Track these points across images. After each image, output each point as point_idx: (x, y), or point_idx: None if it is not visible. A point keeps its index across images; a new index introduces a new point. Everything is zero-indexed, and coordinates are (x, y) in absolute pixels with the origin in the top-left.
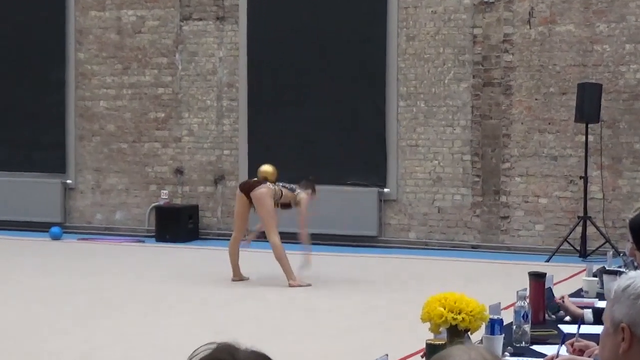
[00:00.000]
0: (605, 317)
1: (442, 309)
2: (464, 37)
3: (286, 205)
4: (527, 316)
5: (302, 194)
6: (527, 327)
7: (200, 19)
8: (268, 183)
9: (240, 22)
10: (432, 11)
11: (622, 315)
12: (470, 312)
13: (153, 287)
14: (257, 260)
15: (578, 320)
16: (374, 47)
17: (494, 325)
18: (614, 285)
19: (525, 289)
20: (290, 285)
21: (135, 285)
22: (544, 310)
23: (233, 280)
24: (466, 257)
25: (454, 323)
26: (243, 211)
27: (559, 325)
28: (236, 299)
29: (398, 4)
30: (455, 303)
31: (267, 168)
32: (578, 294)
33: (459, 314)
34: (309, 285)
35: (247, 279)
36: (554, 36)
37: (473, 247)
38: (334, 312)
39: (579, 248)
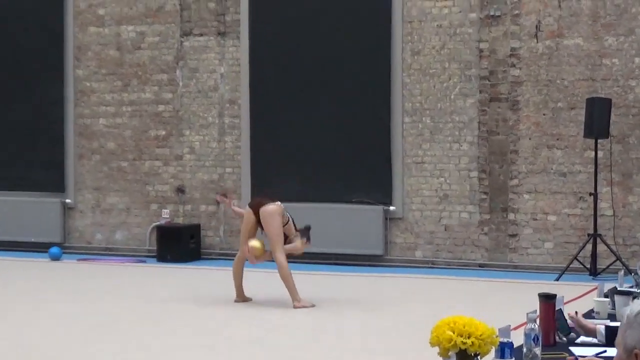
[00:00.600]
0: (617, 342)
1: (451, 332)
2: (470, 51)
3: (284, 236)
4: (537, 339)
5: (298, 240)
6: (537, 350)
7: (201, 35)
8: (278, 202)
9: (241, 38)
10: (437, 25)
11: (635, 342)
12: (480, 335)
13: (154, 309)
14: (260, 280)
15: (591, 335)
16: (379, 62)
17: (504, 349)
18: (626, 310)
19: (535, 311)
20: (295, 307)
21: (136, 307)
22: (554, 332)
23: (236, 301)
24: (474, 276)
25: (463, 347)
26: (250, 229)
27: (570, 348)
28: (239, 320)
29: (403, 18)
30: (464, 327)
31: (255, 244)
32: (589, 314)
33: (469, 337)
34: (313, 306)
35: (250, 300)
36: (562, 50)
37: (481, 265)
38: (338, 333)
39: (589, 266)
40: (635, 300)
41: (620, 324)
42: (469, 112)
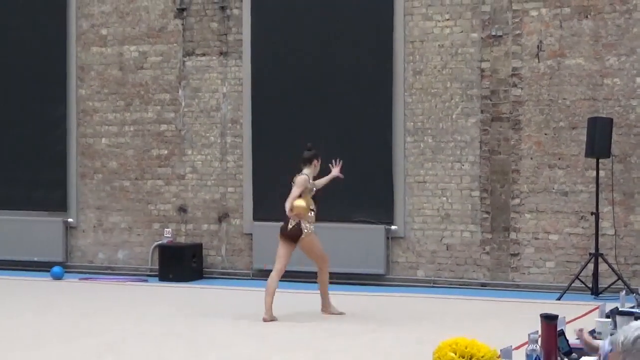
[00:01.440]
0: None
1: (453, 354)
2: (472, 71)
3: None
4: (539, 359)
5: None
6: None
7: (204, 55)
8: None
9: (244, 58)
10: (439, 45)
11: None
12: (482, 357)
13: (156, 328)
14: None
15: (595, 353)
16: (380, 81)
17: None
18: (620, 337)
19: (537, 332)
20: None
21: (138, 327)
22: (556, 353)
23: (265, 320)
24: (475, 296)
25: None
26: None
27: None
28: (241, 339)
29: (404, 38)
30: (466, 348)
31: (300, 203)
32: (591, 335)
33: (471, 359)
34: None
35: (276, 319)
36: (564, 70)
37: (482, 285)
38: (340, 353)
39: (590, 285)
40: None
41: (616, 349)
42: (471, 131)
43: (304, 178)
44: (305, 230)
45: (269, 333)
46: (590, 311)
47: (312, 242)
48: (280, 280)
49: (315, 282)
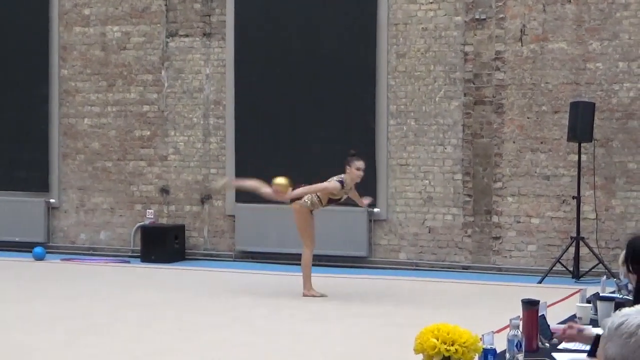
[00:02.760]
0: (599, 354)
1: (435, 340)
2: (455, 54)
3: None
4: (520, 345)
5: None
6: (520, 357)
7: (187, 36)
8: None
9: (227, 39)
10: (422, 28)
11: (615, 354)
12: (464, 343)
13: (138, 310)
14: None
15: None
16: (364, 64)
17: (487, 356)
18: (607, 322)
19: (519, 317)
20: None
21: (121, 308)
22: (537, 338)
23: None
24: (457, 278)
25: (447, 355)
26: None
27: (553, 354)
28: (224, 322)
29: (388, 21)
30: (448, 334)
31: (281, 181)
32: (572, 320)
33: (452, 345)
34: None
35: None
36: (546, 54)
37: (464, 268)
38: (321, 336)
39: (572, 269)
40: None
41: (602, 335)
42: (454, 114)
43: (332, 185)
44: (304, 201)
45: (250, 316)
46: (571, 294)
47: (300, 216)
48: (262, 262)
49: (294, 264)
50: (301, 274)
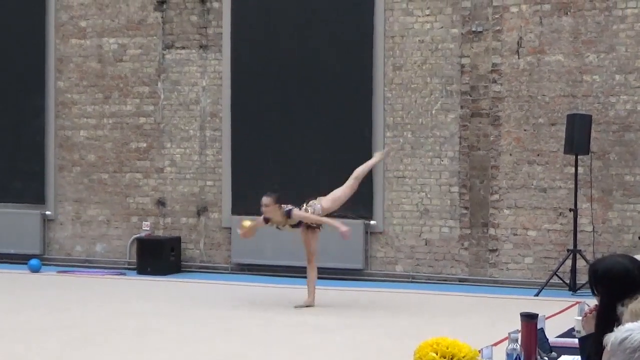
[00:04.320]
0: None
1: (434, 354)
2: (452, 67)
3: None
4: (519, 359)
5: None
6: None
7: (183, 48)
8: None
9: (223, 51)
10: (419, 40)
11: None
12: (463, 357)
13: (134, 322)
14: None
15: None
16: (360, 76)
17: None
18: (611, 337)
19: (517, 331)
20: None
21: (116, 320)
22: (536, 351)
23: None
24: (454, 291)
25: None
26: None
27: None
28: (220, 334)
29: (385, 33)
30: (447, 348)
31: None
32: (569, 333)
33: (452, 359)
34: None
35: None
36: (543, 66)
37: (461, 280)
38: (318, 349)
39: (568, 282)
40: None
41: (605, 350)
42: (450, 127)
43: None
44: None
45: (246, 328)
46: (568, 307)
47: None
48: (258, 275)
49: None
50: (297, 286)
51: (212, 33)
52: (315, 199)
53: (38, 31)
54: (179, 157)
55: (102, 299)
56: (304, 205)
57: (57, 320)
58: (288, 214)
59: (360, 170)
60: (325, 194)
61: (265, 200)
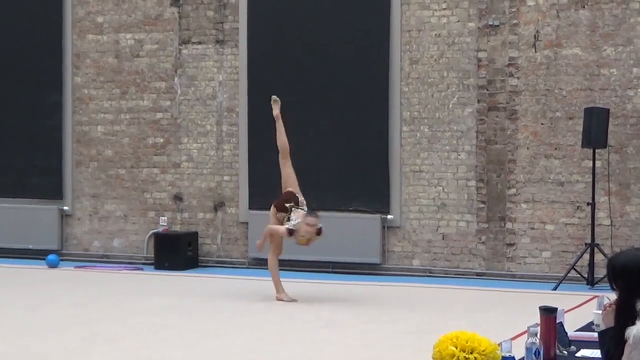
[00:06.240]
0: None
1: (453, 348)
2: (469, 60)
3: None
4: (538, 353)
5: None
6: None
7: (200, 43)
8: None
9: (240, 46)
10: (435, 34)
11: None
12: (483, 351)
13: (150, 317)
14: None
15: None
16: (377, 70)
17: None
18: (632, 331)
19: (537, 325)
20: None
21: (133, 316)
22: (555, 345)
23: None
24: (471, 285)
25: None
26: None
27: None
28: (235, 329)
29: (401, 27)
30: (467, 342)
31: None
32: (588, 327)
33: (471, 353)
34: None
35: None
36: (560, 60)
37: (478, 274)
38: (335, 343)
39: (586, 276)
40: None
41: (627, 343)
42: (467, 121)
43: (281, 231)
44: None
45: (263, 323)
46: (586, 301)
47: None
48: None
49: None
50: (313, 281)
51: (229, 28)
52: (297, 201)
53: (55, 27)
54: (196, 152)
55: (119, 294)
56: (295, 211)
57: (74, 316)
58: (319, 232)
59: (280, 142)
60: (341, 188)
61: (315, 221)
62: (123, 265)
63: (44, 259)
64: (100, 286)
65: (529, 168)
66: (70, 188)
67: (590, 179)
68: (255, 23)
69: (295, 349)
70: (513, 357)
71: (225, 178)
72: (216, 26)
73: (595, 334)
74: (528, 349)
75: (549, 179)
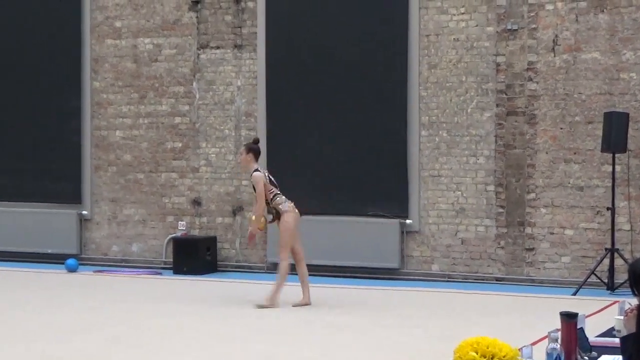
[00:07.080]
0: None
1: (474, 353)
2: (487, 65)
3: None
4: (559, 358)
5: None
6: None
7: (218, 47)
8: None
9: (258, 50)
10: (454, 39)
11: None
12: (504, 357)
13: (169, 322)
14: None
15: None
16: (396, 75)
17: None
18: None
19: (557, 330)
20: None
21: (152, 320)
22: (576, 351)
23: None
24: (490, 290)
25: None
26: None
27: None
28: (253, 333)
29: (420, 32)
30: (488, 347)
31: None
32: (609, 332)
33: (492, 358)
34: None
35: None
36: (579, 64)
37: (497, 279)
38: (353, 348)
39: (606, 281)
40: None
41: None
42: (486, 125)
43: (258, 176)
44: (287, 207)
45: (280, 327)
46: (607, 306)
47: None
48: (293, 274)
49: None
50: (332, 286)
51: (247, 32)
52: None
53: (73, 32)
54: (214, 156)
55: (137, 299)
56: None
57: (93, 320)
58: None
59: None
60: (360, 193)
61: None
62: (142, 270)
63: (63, 264)
64: (118, 291)
65: (548, 173)
66: (89, 193)
67: (610, 184)
68: (273, 28)
69: (314, 353)
70: None
71: (244, 182)
72: (234, 31)
73: (617, 340)
74: (549, 354)
75: (569, 183)
